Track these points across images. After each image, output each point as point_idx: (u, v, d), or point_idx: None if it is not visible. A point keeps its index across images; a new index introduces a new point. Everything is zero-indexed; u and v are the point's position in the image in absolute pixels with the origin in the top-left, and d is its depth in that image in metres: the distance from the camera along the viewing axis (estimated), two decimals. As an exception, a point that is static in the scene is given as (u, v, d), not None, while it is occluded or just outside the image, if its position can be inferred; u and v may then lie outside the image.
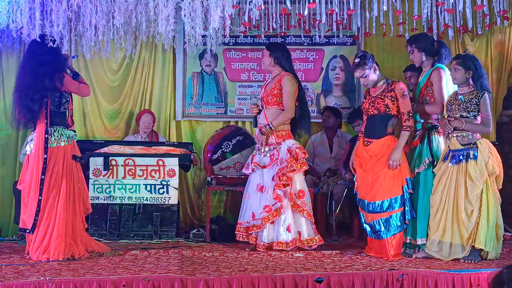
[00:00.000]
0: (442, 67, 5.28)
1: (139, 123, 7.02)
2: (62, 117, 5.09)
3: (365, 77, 5.22)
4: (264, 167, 5.50)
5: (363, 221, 5.23)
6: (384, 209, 5.07)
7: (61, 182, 4.97)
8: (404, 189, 5.10)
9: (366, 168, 5.18)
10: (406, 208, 5.09)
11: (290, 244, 5.32)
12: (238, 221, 5.64)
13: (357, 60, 5.23)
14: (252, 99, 7.21)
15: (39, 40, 5.01)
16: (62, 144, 5.02)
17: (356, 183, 5.32)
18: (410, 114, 5.13)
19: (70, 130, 5.12)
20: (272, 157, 5.48)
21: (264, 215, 5.36)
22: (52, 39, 5.04)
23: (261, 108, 5.70)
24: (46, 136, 4.96)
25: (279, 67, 5.64)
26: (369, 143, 5.21)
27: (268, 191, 5.41)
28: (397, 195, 5.08)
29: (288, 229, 5.35)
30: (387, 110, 5.16)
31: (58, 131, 5.03)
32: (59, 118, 5.06)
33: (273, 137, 5.52)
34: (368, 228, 5.17)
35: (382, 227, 5.05)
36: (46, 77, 4.93)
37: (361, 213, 5.25)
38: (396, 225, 5.06)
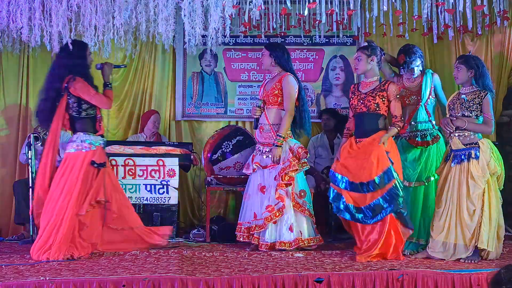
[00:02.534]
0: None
1: (146, 123, 6.98)
2: (84, 123, 5.11)
3: (359, 60, 5.23)
4: (265, 167, 5.49)
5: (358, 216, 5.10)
6: (383, 184, 4.95)
7: (74, 188, 4.98)
8: (390, 160, 5.02)
9: (356, 154, 5.13)
10: (397, 180, 4.99)
11: (293, 243, 5.33)
12: (239, 221, 5.64)
13: (364, 44, 5.40)
14: (253, 99, 7.21)
15: (70, 46, 5.01)
16: (84, 150, 5.04)
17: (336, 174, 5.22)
18: (402, 118, 5.17)
19: (98, 135, 5.13)
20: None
21: (266, 215, 5.36)
22: (83, 43, 5.17)
23: (263, 110, 5.68)
24: (55, 143, 5.03)
25: (279, 67, 5.63)
26: (360, 141, 5.18)
27: (270, 191, 5.42)
28: (387, 167, 4.97)
29: (290, 229, 5.36)
30: (377, 109, 5.15)
31: (80, 138, 5.06)
32: (80, 124, 5.09)
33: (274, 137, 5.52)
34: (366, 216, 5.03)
35: (386, 203, 4.93)
36: (59, 78, 5.02)
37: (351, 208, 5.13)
38: (398, 194, 4.93)
